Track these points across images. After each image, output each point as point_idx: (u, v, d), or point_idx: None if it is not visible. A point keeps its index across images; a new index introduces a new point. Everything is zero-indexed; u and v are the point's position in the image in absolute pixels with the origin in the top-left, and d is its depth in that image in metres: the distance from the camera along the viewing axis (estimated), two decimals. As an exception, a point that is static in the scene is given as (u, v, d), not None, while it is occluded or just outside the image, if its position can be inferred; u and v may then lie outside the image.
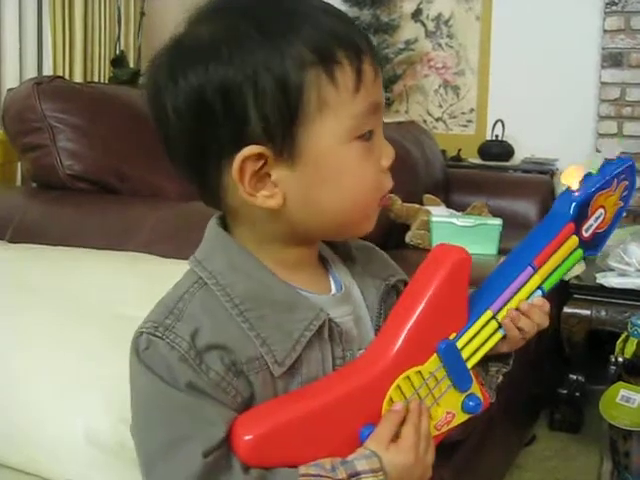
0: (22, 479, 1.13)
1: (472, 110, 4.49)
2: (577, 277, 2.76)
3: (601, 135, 4.14)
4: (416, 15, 4.56)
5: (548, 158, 4.09)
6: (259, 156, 0.69)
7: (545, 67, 4.20)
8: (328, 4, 0.73)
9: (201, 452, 0.65)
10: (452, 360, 0.74)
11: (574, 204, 0.77)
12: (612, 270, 2.68)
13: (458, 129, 4.53)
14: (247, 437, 0.66)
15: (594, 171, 0.77)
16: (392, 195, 3.05)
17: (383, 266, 0.85)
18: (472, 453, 1.73)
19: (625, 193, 0.81)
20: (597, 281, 2.64)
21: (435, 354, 0.73)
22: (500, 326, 0.77)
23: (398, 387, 0.72)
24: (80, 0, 2.90)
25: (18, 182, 2.45)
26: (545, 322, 0.80)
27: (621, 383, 2.31)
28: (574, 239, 0.78)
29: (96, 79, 2.99)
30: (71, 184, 1.77)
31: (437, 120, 4.56)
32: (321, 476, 0.66)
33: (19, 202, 1.79)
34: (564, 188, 0.78)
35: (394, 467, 0.70)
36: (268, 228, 0.73)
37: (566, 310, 2.58)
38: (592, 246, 0.80)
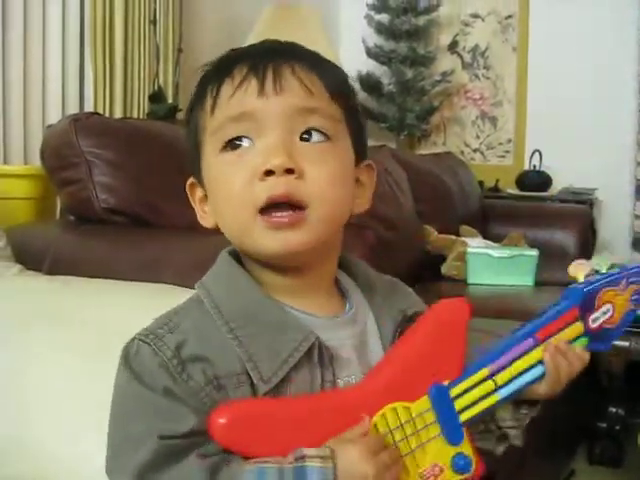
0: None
1: (510, 141, 4.48)
2: (616, 308, 2.72)
3: (641, 164, 4.10)
4: (452, 47, 4.57)
5: (587, 188, 4.05)
6: (195, 185, 0.82)
7: (583, 96, 4.17)
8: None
9: (158, 434, 0.67)
10: (442, 405, 0.75)
11: (578, 292, 0.83)
12: (651, 301, 2.63)
13: (496, 160, 4.51)
14: (222, 418, 0.68)
15: (603, 270, 0.80)
16: (427, 227, 3.05)
17: (404, 298, 0.85)
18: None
19: (636, 297, 0.86)
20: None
21: (426, 395, 0.75)
22: (496, 389, 0.78)
23: (384, 416, 0.72)
24: (120, 37, 2.97)
25: (57, 216, 2.50)
26: (579, 366, 0.83)
27: (660, 416, 2.27)
28: (579, 325, 0.82)
29: (135, 114, 3.04)
30: (106, 217, 1.80)
31: (475, 151, 4.56)
32: (268, 462, 0.67)
33: (56, 235, 1.83)
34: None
35: (346, 462, 0.67)
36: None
37: (604, 342, 2.53)
38: (600, 339, 0.84)
